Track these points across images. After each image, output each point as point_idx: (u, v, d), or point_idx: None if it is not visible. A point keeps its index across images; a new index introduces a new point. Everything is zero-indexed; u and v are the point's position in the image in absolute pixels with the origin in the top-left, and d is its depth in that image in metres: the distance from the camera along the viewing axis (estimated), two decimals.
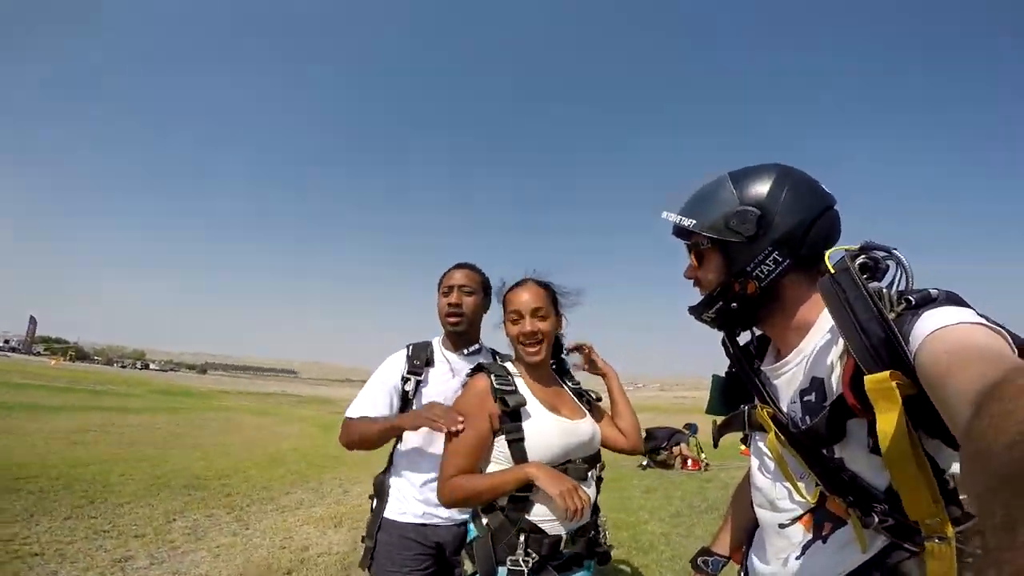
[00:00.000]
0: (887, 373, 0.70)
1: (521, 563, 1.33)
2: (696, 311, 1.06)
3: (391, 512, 1.83)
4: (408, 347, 1.96)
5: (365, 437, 1.77)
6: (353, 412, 1.83)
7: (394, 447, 1.93)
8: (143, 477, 5.92)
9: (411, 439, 1.86)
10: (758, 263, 0.94)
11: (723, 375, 1.18)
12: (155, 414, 14.05)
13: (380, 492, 1.90)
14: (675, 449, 8.93)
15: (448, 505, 1.45)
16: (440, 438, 1.76)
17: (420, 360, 1.91)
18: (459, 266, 2.03)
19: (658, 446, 9.09)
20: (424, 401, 1.85)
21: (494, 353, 2.09)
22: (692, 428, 9.72)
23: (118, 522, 4.25)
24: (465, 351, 2.00)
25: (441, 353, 1.98)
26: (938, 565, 0.73)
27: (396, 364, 1.91)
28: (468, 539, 1.45)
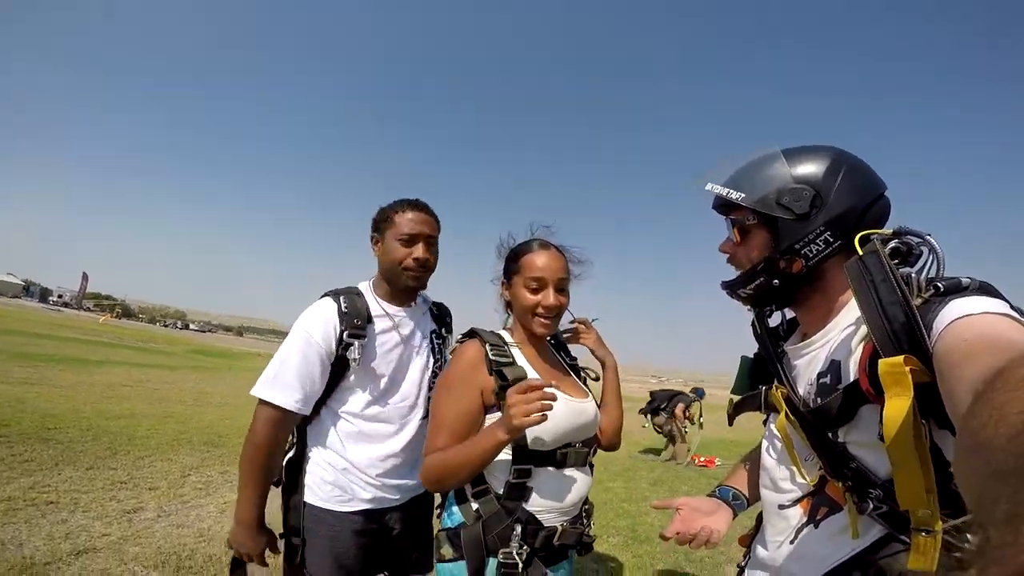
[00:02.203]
0: (901, 358, 0.70)
1: (515, 555, 1.24)
2: (732, 286, 1.04)
3: (327, 500, 1.53)
4: (338, 299, 1.56)
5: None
6: (276, 395, 1.46)
7: (309, 420, 1.59)
8: (167, 432, 6.20)
9: (352, 406, 1.57)
10: (808, 242, 0.93)
11: (752, 356, 1.18)
12: (189, 372, 14.68)
13: (295, 477, 1.57)
14: (676, 411, 8.54)
15: (428, 486, 1.32)
16: (395, 407, 1.58)
17: (361, 317, 1.55)
18: (416, 206, 1.64)
19: (657, 407, 8.72)
20: (376, 369, 1.56)
21: (434, 303, 1.84)
22: (699, 392, 9.06)
23: (136, 474, 4.46)
24: (412, 304, 1.70)
25: (379, 305, 1.63)
26: (919, 558, 0.73)
27: (327, 322, 1.51)
28: (451, 524, 1.34)
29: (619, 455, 8.60)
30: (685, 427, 8.69)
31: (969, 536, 0.70)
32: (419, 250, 1.59)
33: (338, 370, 1.54)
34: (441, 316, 1.83)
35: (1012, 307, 0.70)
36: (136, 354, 17.91)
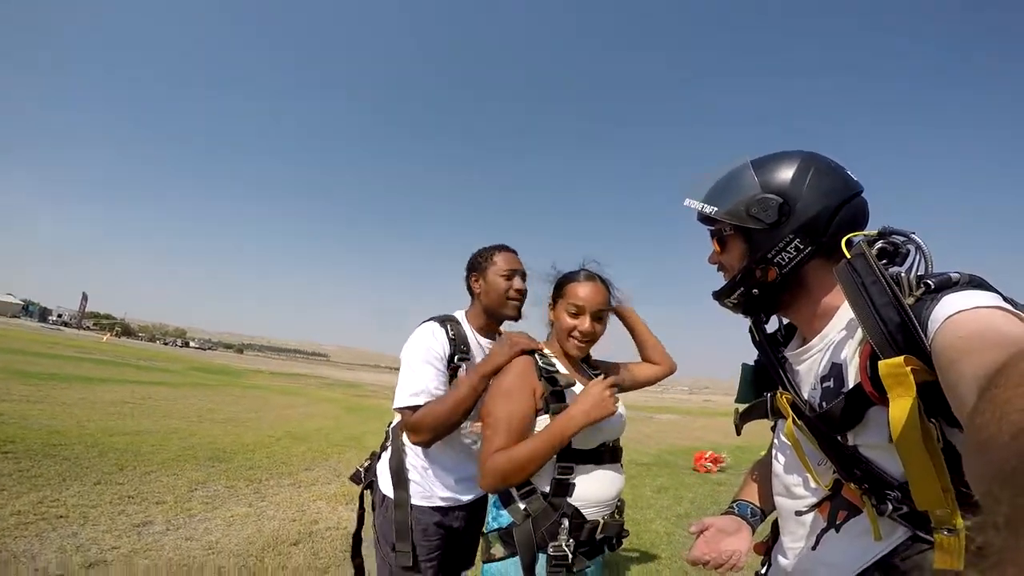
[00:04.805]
0: (901, 358, 0.69)
1: (564, 547, 1.32)
2: (719, 296, 1.06)
3: (413, 498, 1.75)
4: (446, 326, 1.79)
5: (445, 417, 1.59)
6: (416, 399, 1.64)
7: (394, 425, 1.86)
8: (172, 448, 6.21)
9: None
10: (779, 250, 0.94)
11: (752, 364, 1.18)
12: (191, 389, 14.64)
13: (401, 479, 1.76)
14: None
15: (490, 487, 1.38)
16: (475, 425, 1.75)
17: (465, 343, 1.79)
18: (508, 249, 1.91)
19: None
20: None
21: None
22: None
23: (143, 489, 4.48)
24: (498, 335, 1.93)
25: (474, 337, 1.85)
26: (944, 557, 0.72)
27: (441, 343, 1.74)
28: (499, 525, 1.42)
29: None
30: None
31: (976, 536, 0.67)
32: (518, 282, 1.83)
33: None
34: None
35: (1004, 298, 0.70)
36: (138, 372, 17.90)
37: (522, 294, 1.84)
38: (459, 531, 1.83)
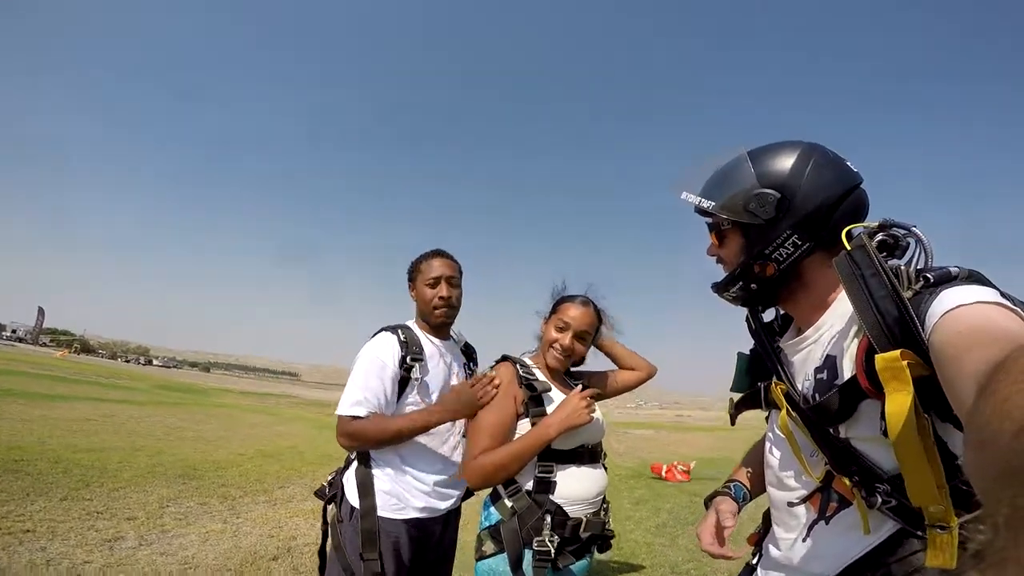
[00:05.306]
0: (898, 352, 0.68)
1: (548, 543, 1.39)
2: (719, 289, 1.05)
3: (383, 508, 1.70)
4: (397, 332, 1.82)
5: (384, 438, 1.66)
6: (358, 409, 1.67)
7: None
8: (140, 465, 6.02)
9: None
10: (777, 246, 0.92)
11: (748, 353, 1.15)
12: (157, 407, 14.14)
13: (367, 489, 1.72)
14: None
15: (475, 486, 1.50)
16: (451, 428, 1.81)
17: (417, 345, 1.81)
18: (439, 254, 1.93)
19: None
20: (429, 387, 1.82)
21: (466, 343, 2.12)
22: None
23: (112, 505, 4.34)
24: (453, 338, 2.02)
25: (426, 337, 1.89)
26: (937, 555, 0.70)
27: (391, 350, 1.77)
28: (489, 523, 1.50)
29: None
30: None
31: (978, 534, 0.70)
32: (443, 289, 1.87)
33: (401, 388, 1.78)
34: (469, 353, 2.13)
35: (1002, 294, 0.69)
36: (99, 389, 17.21)
37: (447, 300, 1.87)
38: (435, 543, 1.81)
